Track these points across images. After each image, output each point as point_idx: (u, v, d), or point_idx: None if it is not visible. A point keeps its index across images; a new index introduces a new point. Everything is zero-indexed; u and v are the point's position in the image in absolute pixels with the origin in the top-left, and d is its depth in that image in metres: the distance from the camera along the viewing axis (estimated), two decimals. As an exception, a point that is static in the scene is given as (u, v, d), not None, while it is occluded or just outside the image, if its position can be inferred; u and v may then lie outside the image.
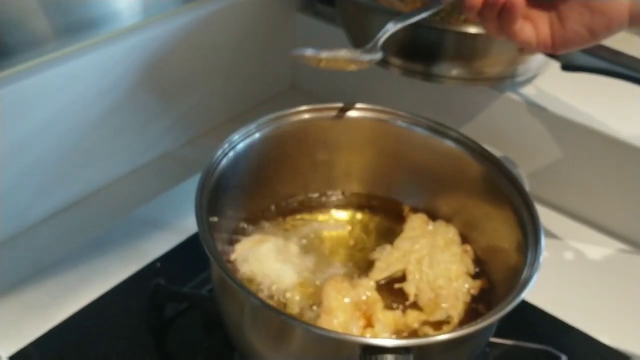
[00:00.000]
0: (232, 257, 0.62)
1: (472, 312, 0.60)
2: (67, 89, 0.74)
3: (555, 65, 0.75)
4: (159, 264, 0.73)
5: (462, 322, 0.59)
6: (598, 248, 0.81)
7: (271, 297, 0.59)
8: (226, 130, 0.61)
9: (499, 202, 0.61)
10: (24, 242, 0.76)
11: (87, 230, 0.78)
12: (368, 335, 0.55)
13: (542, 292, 0.71)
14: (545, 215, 0.83)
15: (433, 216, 0.68)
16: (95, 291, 0.69)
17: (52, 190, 0.79)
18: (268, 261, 0.61)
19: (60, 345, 0.65)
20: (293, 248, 0.65)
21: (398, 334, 0.57)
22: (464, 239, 0.66)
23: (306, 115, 0.66)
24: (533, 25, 0.57)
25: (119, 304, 0.69)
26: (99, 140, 0.81)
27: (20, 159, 0.73)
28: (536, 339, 0.62)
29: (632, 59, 0.69)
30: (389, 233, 0.68)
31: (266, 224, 0.68)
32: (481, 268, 0.64)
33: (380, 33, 0.62)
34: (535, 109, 0.81)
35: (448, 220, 0.67)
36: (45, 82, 0.72)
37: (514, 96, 0.83)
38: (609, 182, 0.80)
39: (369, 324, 0.56)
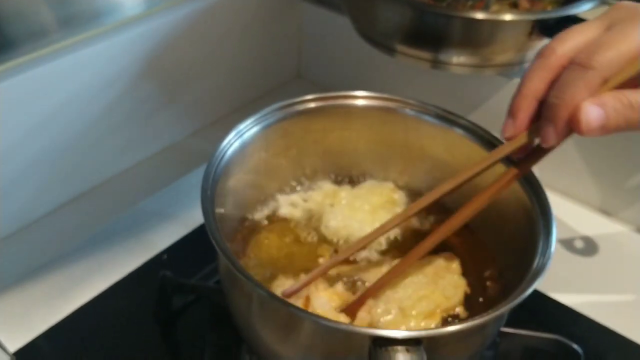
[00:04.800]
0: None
1: (483, 302, 0.60)
2: (71, 80, 0.74)
3: (564, 50, 0.74)
4: (165, 256, 0.73)
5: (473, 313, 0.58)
6: (610, 236, 0.80)
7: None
8: (232, 121, 0.61)
9: (509, 190, 0.60)
10: (30, 236, 0.77)
11: (94, 223, 0.77)
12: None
13: (553, 281, 0.70)
14: (556, 203, 0.82)
15: (442, 205, 0.68)
16: (102, 284, 0.69)
17: (58, 183, 0.79)
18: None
19: (67, 338, 0.65)
20: None
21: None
22: (473, 229, 0.65)
23: (312, 105, 0.65)
24: None
25: (126, 296, 0.69)
26: (103, 133, 0.81)
27: (24, 152, 0.73)
28: (548, 329, 0.62)
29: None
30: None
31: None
32: (491, 258, 0.63)
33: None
34: (545, 95, 0.80)
35: (456, 208, 0.67)
36: (49, 74, 0.71)
37: (522, 83, 0.82)
38: (620, 169, 0.79)
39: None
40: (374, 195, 0.68)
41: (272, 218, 0.67)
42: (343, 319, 0.54)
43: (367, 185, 0.69)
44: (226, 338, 0.64)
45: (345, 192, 0.68)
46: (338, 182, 0.71)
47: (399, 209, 0.67)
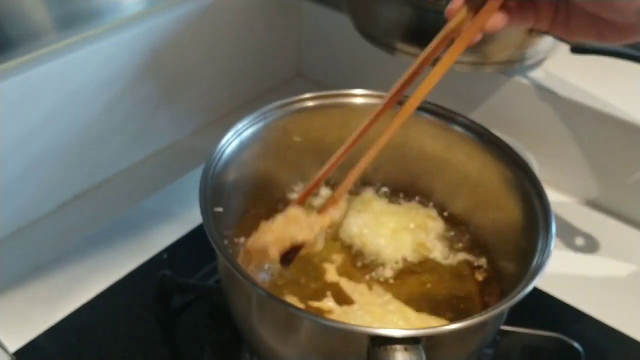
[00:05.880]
0: None
1: (482, 301, 0.60)
2: (71, 80, 0.74)
3: (564, 47, 0.74)
4: (165, 255, 0.73)
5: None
6: (611, 233, 0.80)
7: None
8: (232, 120, 0.61)
9: (509, 188, 0.60)
10: (30, 235, 0.77)
11: (94, 223, 0.77)
12: None
13: (553, 278, 0.70)
14: (556, 200, 0.82)
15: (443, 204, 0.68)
16: (102, 283, 0.69)
17: (58, 183, 0.79)
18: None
19: (68, 338, 0.65)
20: None
21: None
22: (473, 225, 0.65)
23: (311, 103, 0.65)
24: (535, 9, 0.49)
25: (126, 295, 0.69)
26: (103, 132, 0.81)
27: (25, 152, 0.73)
28: (548, 326, 0.62)
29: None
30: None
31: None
32: (490, 255, 0.63)
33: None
34: (545, 92, 0.80)
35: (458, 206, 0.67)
36: (49, 73, 0.71)
37: (522, 80, 0.82)
38: (619, 166, 0.79)
39: None
40: (407, 216, 0.67)
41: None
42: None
43: (407, 205, 0.69)
44: (226, 337, 0.64)
45: (378, 205, 0.68)
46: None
47: (431, 236, 0.66)
